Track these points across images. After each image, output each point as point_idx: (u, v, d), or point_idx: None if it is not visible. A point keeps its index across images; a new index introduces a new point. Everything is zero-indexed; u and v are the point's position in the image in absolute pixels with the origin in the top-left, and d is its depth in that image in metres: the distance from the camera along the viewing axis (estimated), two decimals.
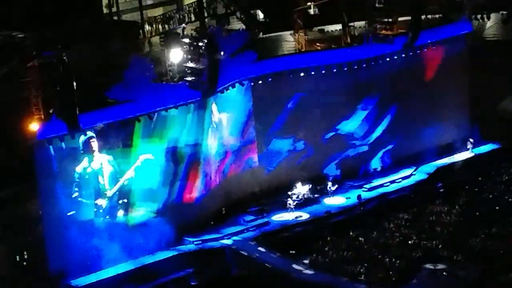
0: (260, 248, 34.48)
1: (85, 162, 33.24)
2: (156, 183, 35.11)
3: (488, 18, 44.37)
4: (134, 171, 34.34)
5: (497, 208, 37.78)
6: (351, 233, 36.14)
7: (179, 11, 42.84)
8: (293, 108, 40.04)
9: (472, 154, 43.64)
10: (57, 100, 31.68)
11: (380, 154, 42.62)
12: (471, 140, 43.84)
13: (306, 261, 33.80)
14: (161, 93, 34.54)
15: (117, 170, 33.96)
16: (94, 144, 33.35)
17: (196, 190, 36.55)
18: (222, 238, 35.57)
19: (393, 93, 42.36)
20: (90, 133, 33.07)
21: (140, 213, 34.70)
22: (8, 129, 32.64)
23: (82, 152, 33.10)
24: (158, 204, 35.14)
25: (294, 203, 38.31)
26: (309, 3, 43.94)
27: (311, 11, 45.54)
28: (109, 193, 33.91)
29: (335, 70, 40.35)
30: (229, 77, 36.95)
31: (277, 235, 36.05)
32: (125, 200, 34.33)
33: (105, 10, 44.29)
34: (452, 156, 43.46)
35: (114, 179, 34.00)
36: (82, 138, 33.02)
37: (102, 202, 33.81)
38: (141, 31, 43.69)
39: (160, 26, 42.99)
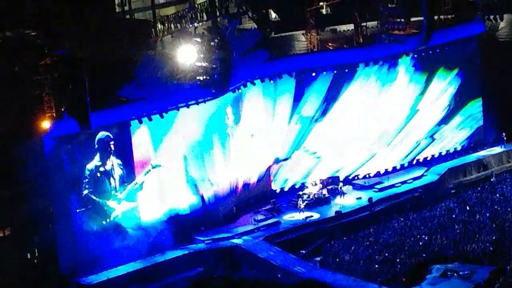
0: (270, 248, 34.50)
1: (96, 160, 33.34)
2: (167, 183, 35.22)
3: (501, 19, 44.19)
4: (144, 175, 34.47)
5: (509, 209, 37.61)
6: (361, 233, 36.13)
7: (191, 10, 42.83)
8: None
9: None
10: (69, 99, 31.81)
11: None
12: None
13: (317, 261, 33.85)
14: (173, 92, 34.60)
15: (125, 174, 34.08)
16: (112, 146, 33.49)
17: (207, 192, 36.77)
18: (233, 237, 35.63)
19: None
20: (107, 134, 33.22)
21: (151, 212, 34.81)
22: (20, 127, 32.76)
23: (98, 151, 33.24)
24: (168, 204, 35.27)
25: (305, 203, 38.31)
26: (321, 3, 43.89)
27: (324, 11, 45.51)
28: (120, 195, 34.01)
29: (347, 70, 40.33)
30: (241, 76, 36.98)
31: (288, 235, 36.04)
32: (135, 200, 34.45)
33: (117, 9, 44.38)
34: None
35: (123, 182, 34.12)
36: (100, 136, 33.15)
37: (113, 203, 33.93)
38: (153, 30, 43.75)
39: (172, 25, 42.97)
